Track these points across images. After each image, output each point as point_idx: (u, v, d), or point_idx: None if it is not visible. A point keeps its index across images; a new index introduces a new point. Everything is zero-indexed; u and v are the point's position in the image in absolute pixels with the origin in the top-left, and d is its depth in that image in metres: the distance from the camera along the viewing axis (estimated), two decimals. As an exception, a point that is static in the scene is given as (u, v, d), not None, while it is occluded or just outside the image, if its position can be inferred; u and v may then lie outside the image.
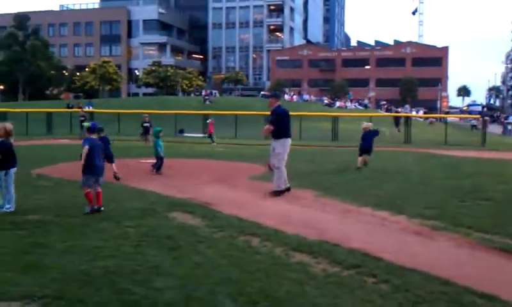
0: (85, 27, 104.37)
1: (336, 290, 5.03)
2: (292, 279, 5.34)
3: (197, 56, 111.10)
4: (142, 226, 7.54)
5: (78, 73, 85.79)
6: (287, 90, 77.62)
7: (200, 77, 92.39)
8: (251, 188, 11.46)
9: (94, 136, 9.11)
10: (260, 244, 6.71)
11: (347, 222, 8.16)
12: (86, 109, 40.33)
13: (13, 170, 8.82)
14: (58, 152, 20.43)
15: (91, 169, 8.68)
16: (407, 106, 66.37)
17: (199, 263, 5.89)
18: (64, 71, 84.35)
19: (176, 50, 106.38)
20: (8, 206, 8.65)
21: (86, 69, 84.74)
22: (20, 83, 76.59)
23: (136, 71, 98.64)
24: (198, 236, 7.06)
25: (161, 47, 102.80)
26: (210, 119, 28.93)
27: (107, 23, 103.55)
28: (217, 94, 79.03)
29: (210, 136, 27.59)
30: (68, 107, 47.97)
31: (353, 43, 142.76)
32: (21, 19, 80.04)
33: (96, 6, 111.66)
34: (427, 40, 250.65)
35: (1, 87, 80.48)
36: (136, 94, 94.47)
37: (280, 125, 10.60)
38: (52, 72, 79.54)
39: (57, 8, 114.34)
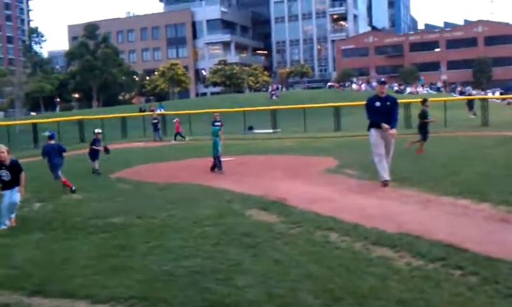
0: (151, 31, 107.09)
1: (422, 284, 4.87)
2: (374, 274, 5.22)
3: (261, 52, 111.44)
4: (220, 225, 7.62)
5: (148, 77, 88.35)
6: (354, 79, 76.39)
7: (266, 73, 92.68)
8: (325, 182, 11.33)
9: (52, 142, 12.49)
10: (339, 238, 6.61)
11: (427, 213, 7.89)
12: (158, 111, 41.36)
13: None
14: (134, 155, 21.08)
15: (53, 166, 12.09)
16: (468, 87, 63.74)
17: (278, 260, 5.87)
18: (134, 76, 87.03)
19: (240, 48, 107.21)
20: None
21: (155, 72, 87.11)
22: (93, 90, 79.76)
23: (203, 71, 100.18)
24: (275, 233, 7.05)
25: (225, 45, 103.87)
26: (175, 119, 31.27)
27: (173, 27, 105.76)
28: (284, 89, 78.96)
29: (179, 134, 29.87)
30: (140, 111, 49.42)
31: (420, 26, 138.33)
32: (91, 28, 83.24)
33: (161, 10, 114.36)
34: (499, 17, 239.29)
35: (77, 95, 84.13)
36: (204, 94, 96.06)
37: (396, 112, 10.70)
38: (123, 78, 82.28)
39: (124, 15, 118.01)
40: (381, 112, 10.47)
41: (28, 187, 12.10)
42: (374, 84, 74.89)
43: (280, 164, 15.57)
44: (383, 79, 11.68)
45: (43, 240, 7.48)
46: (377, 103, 10.64)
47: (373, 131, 10.62)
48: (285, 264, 5.71)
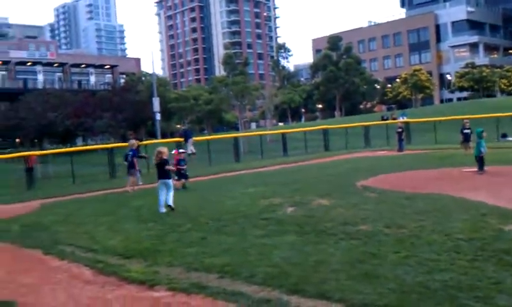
0: (393, 38, 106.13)
1: None
2: None
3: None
4: (475, 239, 7.15)
5: (389, 85, 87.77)
6: None
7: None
8: None
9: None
10: None
11: None
12: (400, 119, 40.74)
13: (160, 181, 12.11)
14: (378, 164, 21.09)
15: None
16: None
17: (547, 282, 5.28)
18: (375, 85, 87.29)
19: (490, 48, 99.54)
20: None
21: (397, 80, 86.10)
22: (336, 100, 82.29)
23: (448, 75, 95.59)
24: (542, 252, 6.35)
25: (473, 47, 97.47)
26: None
27: (415, 32, 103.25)
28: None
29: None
30: (383, 119, 49.27)
31: None
32: (334, 40, 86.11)
33: (403, 15, 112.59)
34: None
35: (320, 106, 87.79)
36: (450, 99, 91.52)
37: None
38: (365, 87, 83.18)
39: (365, 25, 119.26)
40: None
41: (282, 191, 13.06)
42: None
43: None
44: None
45: (297, 242, 7.93)
46: None
47: None
48: (557, 287, 5.10)
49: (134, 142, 19.48)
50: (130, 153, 18.40)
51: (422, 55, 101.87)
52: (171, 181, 12.24)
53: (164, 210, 11.78)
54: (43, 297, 6.41)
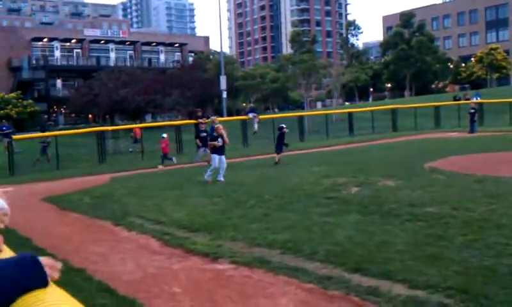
0: (469, 15, 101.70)
1: None
2: None
3: None
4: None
5: (463, 64, 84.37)
6: None
7: None
8: None
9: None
10: None
11: None
12: (474, 100, 39.14)
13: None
14: (448, 145, 20.47)
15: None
16: None
17: None
18: (449, 64, 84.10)
19: None
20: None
21: (472, 59, 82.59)
22: (406, 80, 80.00)
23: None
24: None
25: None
26: (164, 135, 22.82)
27: (493, 8, 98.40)
28: None
29: (165, 156, 22.04)
30: (455, 100, 47.53)
31: None
32: (406, 17, 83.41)
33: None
34: None
35: (389, 85, 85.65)
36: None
37: None
38: (437, 66, 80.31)
39: (439, 1, 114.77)
40: None
41: (346, 171, 12.99)
42: None
43: None
44: None
45: (361, 222, 7.88)
46: None
47: None
48: None
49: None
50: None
51: (499, 33, 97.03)
52: (213, 156, 13.67)
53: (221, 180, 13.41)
54: (113, 265, 6.72)
